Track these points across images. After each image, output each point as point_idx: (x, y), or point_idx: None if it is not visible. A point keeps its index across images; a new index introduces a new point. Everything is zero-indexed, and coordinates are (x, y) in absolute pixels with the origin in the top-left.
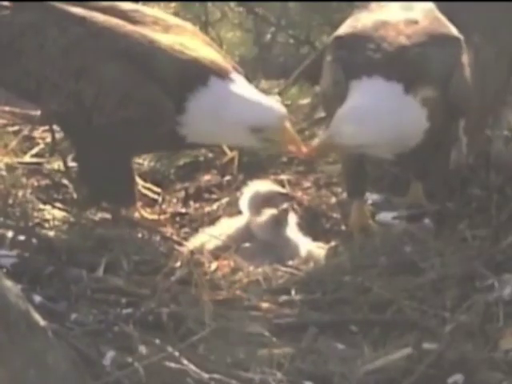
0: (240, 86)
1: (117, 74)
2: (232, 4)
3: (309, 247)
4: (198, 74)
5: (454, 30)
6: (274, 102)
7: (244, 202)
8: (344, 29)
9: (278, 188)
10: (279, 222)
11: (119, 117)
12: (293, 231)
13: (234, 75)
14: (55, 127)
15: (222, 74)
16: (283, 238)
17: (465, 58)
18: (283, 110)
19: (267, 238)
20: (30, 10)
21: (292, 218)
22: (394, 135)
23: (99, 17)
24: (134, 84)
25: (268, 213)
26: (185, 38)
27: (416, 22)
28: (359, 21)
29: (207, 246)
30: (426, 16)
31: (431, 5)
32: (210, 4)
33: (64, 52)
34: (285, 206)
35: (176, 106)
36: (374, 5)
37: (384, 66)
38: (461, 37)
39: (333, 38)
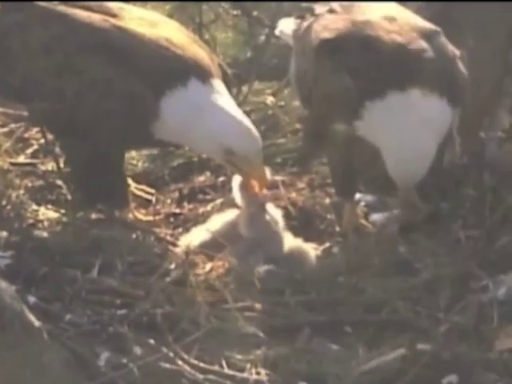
0: (219, 95)
1: (97, 68)
2: (226, 6)
3: (295, 241)
4: (179, 72)
5: (429, 23)
6: (251, 127)
7: (235, 189)
8: (325, 32)
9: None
10: (256, 217)
11: (101, 110)
12: (279, 225)
13: (216, 81)
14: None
15: (204, 78)
16: (268, 233)
17: (454, 48)
18: (259, 139)
19: (253, 235)
20: (16, 10)
21: (277, 213)
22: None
23: (81, 13)
24: (114, 77)
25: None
26: (171, 34)
27: (394, 19)
28: (335, 23)
29: (194, 242)
30: (399, 12)
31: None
32: (204, 6)
33: (46, 48)
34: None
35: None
36: (336, 6)
37: (392, 74)
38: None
39: (320, 42)
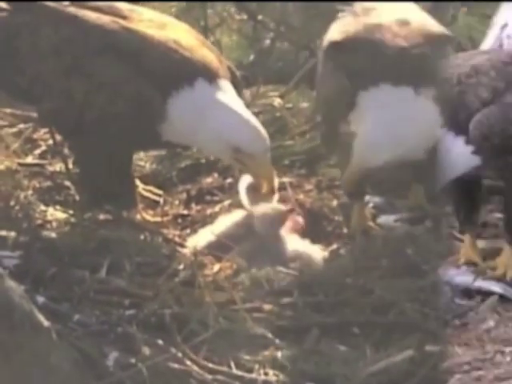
0: (226, 95)
1: (106, 70)
2: (232, 10)
3: (303, 243)
4: (187, 73)
5: (444, 28)
6: (258, 125)
7: (242, 192)
8: (335, 34)
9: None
10: (276, 221)
11: (109, 112)
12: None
13: (224, 82)
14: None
15: (211, 79)
16: (278, 236)
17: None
18: (266, 137)
19: (266, 232)
20: (26, 11)
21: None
22: (417, 140)
23: (91, 15)
24: (123, 80)
25: (266, 207)
26: (180, 36)
27: (407, 23)
28: (349, 25)
29: (200, 244)
30: (415, 15)
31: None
32: (209, 9)
33: (56, 50)
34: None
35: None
36: (359, 9)
37: (388, 71)
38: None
39: (328, 43)
